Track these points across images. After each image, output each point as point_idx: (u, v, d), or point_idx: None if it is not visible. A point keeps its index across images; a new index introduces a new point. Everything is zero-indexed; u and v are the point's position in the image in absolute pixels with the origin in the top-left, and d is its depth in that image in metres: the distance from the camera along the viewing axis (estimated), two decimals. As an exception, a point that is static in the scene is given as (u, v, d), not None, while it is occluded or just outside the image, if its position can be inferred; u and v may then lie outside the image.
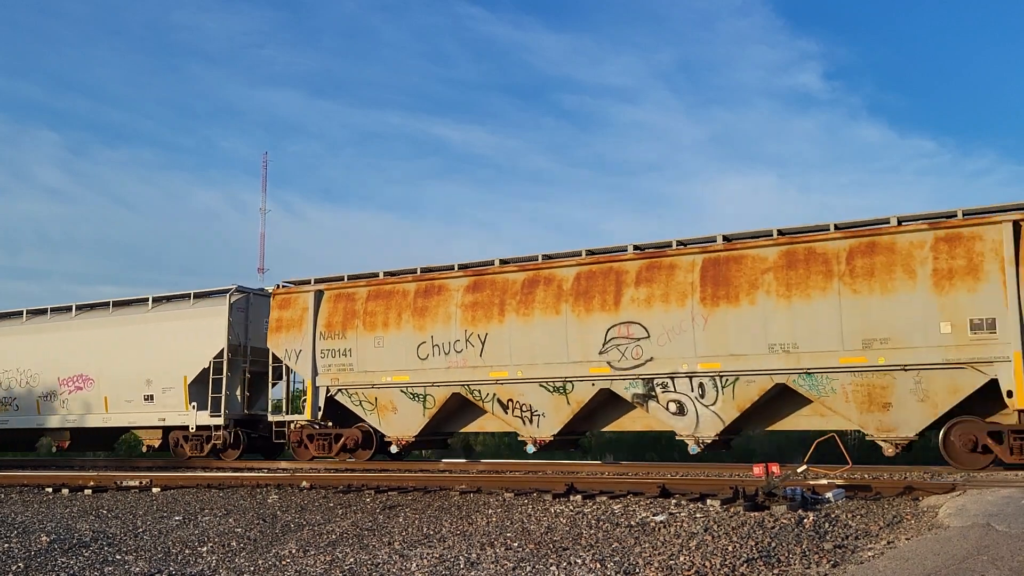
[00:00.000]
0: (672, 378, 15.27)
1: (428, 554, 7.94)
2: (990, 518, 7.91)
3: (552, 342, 16.19)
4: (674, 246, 15.80)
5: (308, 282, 19.40)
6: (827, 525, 8.50)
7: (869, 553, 7.22)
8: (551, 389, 16.29)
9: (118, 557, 8.54)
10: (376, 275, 18.69)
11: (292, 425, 19.27)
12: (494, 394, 16.89)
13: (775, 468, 10.22)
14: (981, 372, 13.14)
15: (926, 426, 13.72)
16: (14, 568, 8.05)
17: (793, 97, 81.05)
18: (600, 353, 15.78)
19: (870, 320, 13.82)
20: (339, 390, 18.57)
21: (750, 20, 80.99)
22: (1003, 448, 13.15)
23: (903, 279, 13.70)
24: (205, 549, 8.75)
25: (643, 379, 15.48)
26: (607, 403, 16.37)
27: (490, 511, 10.34)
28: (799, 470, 11.18)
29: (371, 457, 18.63)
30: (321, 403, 18.68)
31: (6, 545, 9.22)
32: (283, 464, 18.48)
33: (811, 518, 8.72)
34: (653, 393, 15.50)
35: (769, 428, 15.79)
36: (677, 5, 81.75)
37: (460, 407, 17.82)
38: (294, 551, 8.43)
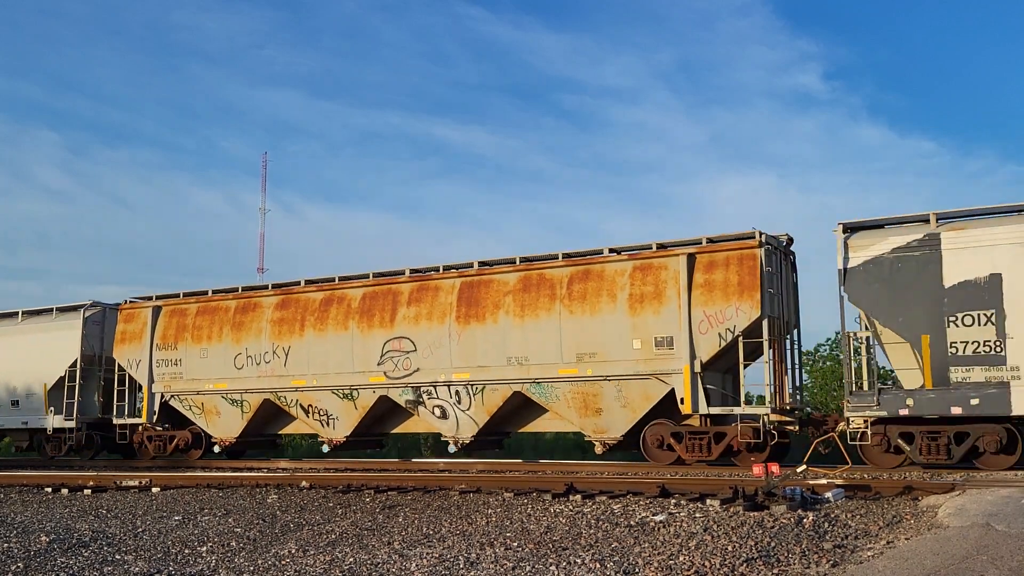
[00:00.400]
0: (435, 386, 17.27)
1: (428, 554, 7.94)
2: (989, 518, 7.91)
3: (341, 354, 18.23)
4: (441, 270, 17.84)
5: (150, 298, 21.55)
6: (827, 525, 8.50)
7: (869, 553, 7.22)
8: (341, 395, 18.32)
9: (118, 557, 8.53)
10: (206, 292, 20.91)
11: (138, 428, 21.33)
12: (297, 400, 18.98)
13: (775, 468, 10.22)
14: (664, 382, 15.18)
15: (630, 428, 15.64)
16: (13, 568, 8.05)
17: (793, 97, 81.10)
18: (378, 364, 17.82)
19: (582, 337, 15.79)
20: (172, 396, 20.68)
21: (750, 20, 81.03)
22: (681, 447, 15.19)
23: (607, 302, 15.69)
24: (205, 549, 8.75)
25: (412, 387, 17.48)
26: (392, 408, 18.23)
27: (490, 511, 10.34)
28: (798, 470, 11.19)
29: (201, 456, 20.65)
30: (156, 408, 20.78)
31: (5, 545, 9.21)
32: (282, 464, 18.57)
33: (811, 518, 8.72)
34: (421, 399, 17.50)
35: (521, 430, 17.81)
36: (677, 5, 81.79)
37: (274, 411, 19.68)
38: (294, 551, 8.43)
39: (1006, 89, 70.68)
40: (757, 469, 10.24)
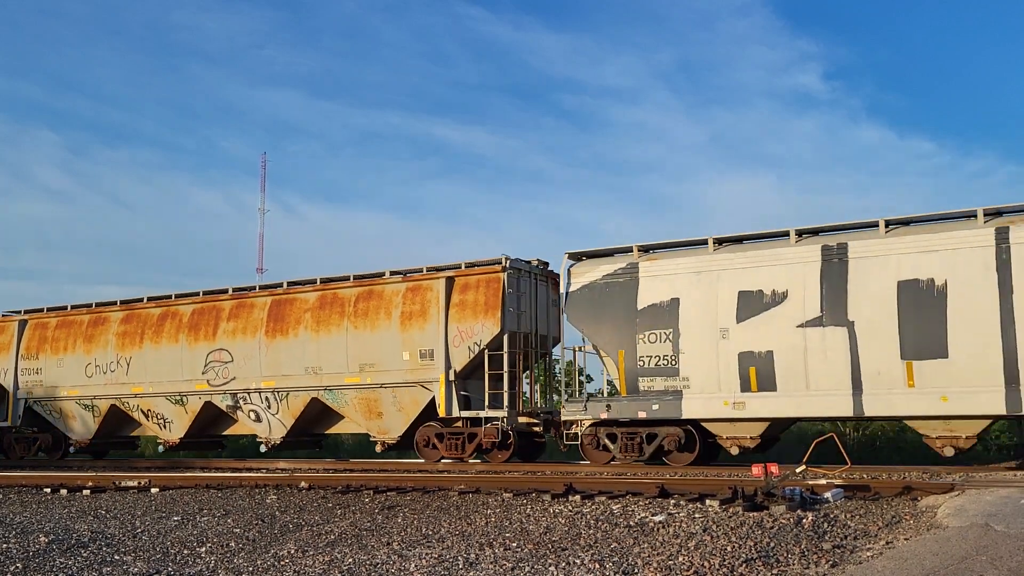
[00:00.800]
0: (248, 393, 19.44)
1: (427, 554, 7.93)
2: (989, 518, 7.91)
3: (173, 364, 20.41)
4: (257, 289, 20.21)
5: (19, 312, 23.68)
6: (826, 525, 8.50)
7: (868, 553, 7.22)
8: (173, 401, 20.56)
9: (117, 557, 8.53)
10: (66, 308, 22.93)
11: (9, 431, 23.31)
12: (138, 405, 21.14)
13: (774, 468, 10.21)
14: (427, 389, 17.36)
15: (406, 429, 17.79)
16: (12, 569, 8.05)
17: (793, 98, 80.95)
18: (203, 373, 20.00)
19: (364, 349, 17.88)
20: (35, 401, 22.78)
21: (750, 20, 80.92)
22: (443, 446, 17.31)
23: (384, 319, 17.78)
24: (204, 549, 8.75)
25: (230, 393, 19.65)
26: (219, 413, 20.24)
27: (489, 511, 10.34)
28: (798, 470, 11.18)
29: (61, 456, 22.64)
30: (21, 412, 22.91)
31: (4, 545, 9.21)
32: (281, 464, 18.62)
33: (810, 518, 8.72)
34: (239, 405, 19.69)
35: (326, 432, 20.00)
36: (677, 5, 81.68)
37: (121, 415, 21.72)
38: (293, 551, 8.43)
39: (1006, 89, 70.69)
40: (756, 469, 10.24)
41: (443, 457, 17.22)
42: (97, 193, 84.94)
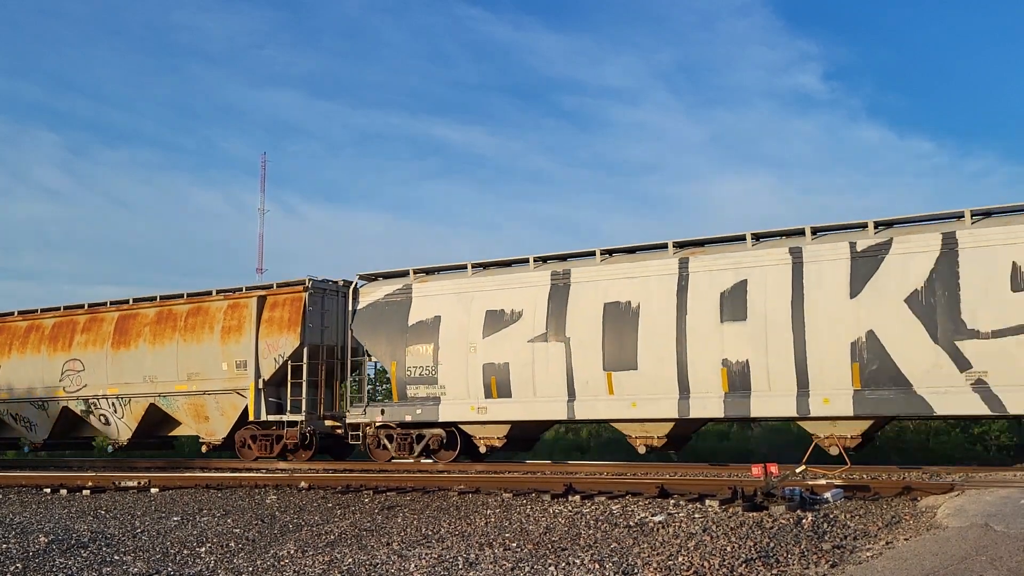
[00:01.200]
0: (97, 399, 21.18)
1: (427, 554, 7.93)
2: (988, 518, 7.91)
3: (36, 373, 22.15)
4: (108, 305, 21.80)
5: None
6: (826, 525, 8.50)
7: (868, 553, 7.22)
8: (37, 406, 22.30)
9: (116, 558, 8.53)
10: None
11: None
12: (7, 410, 22.88)
13: (773, 468, 10.22)
14: (242, 396, 19.17)
15: (229, 431, 19.54)
16: (12, 569, 8.05)
17: (793, 98, 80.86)
18: (60, 381, 21.72)
19: (192, 360, 19.81)
20: None
21: (750, 20, 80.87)
22: (257, 446, 19.22)
23: (208, 333, 19.72)
24: (203, 550, 8.75)
25: (83, 399, 21.37)
26: (77, 417, 21.87)
27: (489, 511, 10.34)
28: (797, 470, 11.19)
29: None
30: None
31: (4, 546, 9.21)
32: (281, 464, 18.64)
33: (810, 518, 8.72)
34: (91, 409, 21.43)
35: (168, 434, 21.60)
36: (677, 5, 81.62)
37: None
38: (292, 551, 8.43)
39: (1006, 89, 70.61)
40: (756, 470, 10.24)
41: (257, 457, 19.13)
42: (97, 193, 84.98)
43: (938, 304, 13.04)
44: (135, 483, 14.41)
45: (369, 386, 20.45)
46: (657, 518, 9.23)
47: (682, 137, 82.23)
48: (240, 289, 20.02)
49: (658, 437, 15.22)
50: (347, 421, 18.04)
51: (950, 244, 13.19)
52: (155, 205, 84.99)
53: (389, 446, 17.53)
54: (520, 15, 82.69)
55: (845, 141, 77.71)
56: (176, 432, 21.43)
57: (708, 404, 14.49)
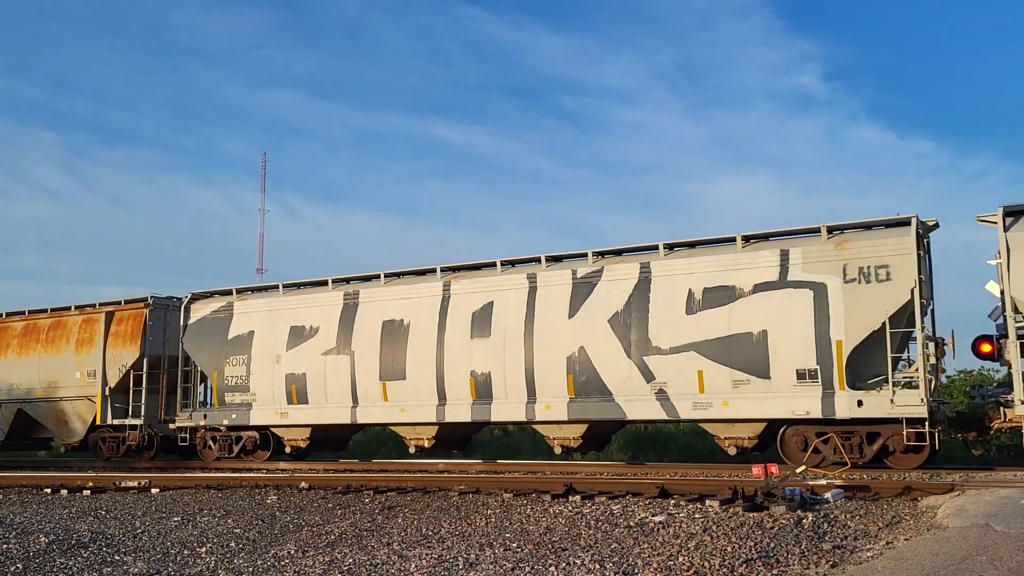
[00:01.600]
0: None
1: (427, 555, 7.93)
2: (989, 519, 7.91)
3: None
4: None
5: None
6: (826, 526, 8.50)
7: (868, 554, 7.22)
8: None
9: (117, 558, 8.53)
10: None
11: None
12: None
13: (774, 469, 10.21)
14: (93, 402, 21.23)
15: (86, 432, 21.41)
16: (12, 569, 8.05)
17: (793, 98, 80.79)
18: None
19: (52, 369, 21.95)
20: None
21: (750, 21, 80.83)
22: (107, 445, 21.19)
23: (65, 345, 21.90)
24: (204, 550, 8.75)
25: None
26: None
27: (489, 512, 10.34)
28: (798, 471, 11.19)
29: None
30: None
31: (5, 546, 9.21)
32: (282, 465, 18.67)
33: (810, 519, 8.72)
34: None
35: (41, 436, 23.41)
36: (677, 5, 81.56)
37: None
38: (293, 552, 8.43)
39: (1006, 89, 70.54)
40: (756, 470, 10.24)
41: (108, 456, 21.30)
42: (97, 193, 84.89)
43: (632, 324, 14.99)
44: (135, 483, 14.40)
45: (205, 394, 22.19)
46: (657, 518, 9.23)
47: (682, 137, 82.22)
48: (94, 305, 22.25)
49: (428, 439, 17.27)
50: (177, 424, 19.98)
51: (645, 273, 15.22)
52: (155, 205, 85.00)
53: (213, 447, 19.67)
54: (520, 15, 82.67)
55: (845, 141, 77.68)
56: (46, 434, 23.26)
57: (459, 410, 16.50)
